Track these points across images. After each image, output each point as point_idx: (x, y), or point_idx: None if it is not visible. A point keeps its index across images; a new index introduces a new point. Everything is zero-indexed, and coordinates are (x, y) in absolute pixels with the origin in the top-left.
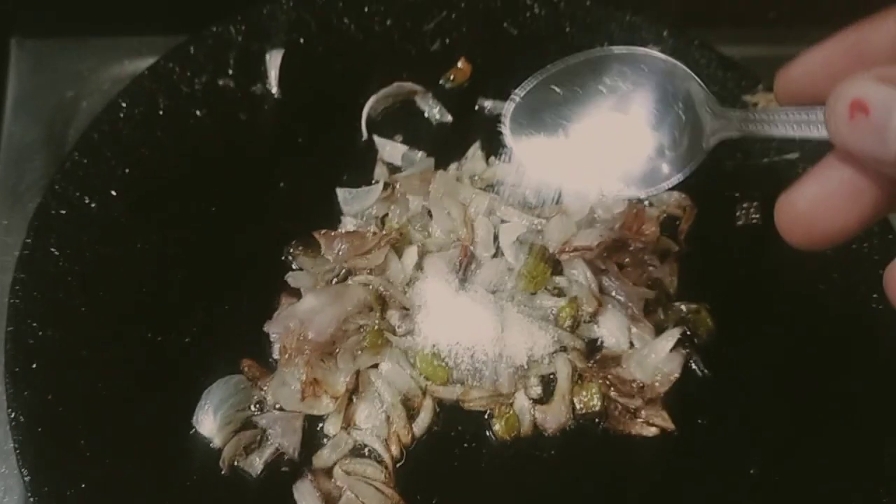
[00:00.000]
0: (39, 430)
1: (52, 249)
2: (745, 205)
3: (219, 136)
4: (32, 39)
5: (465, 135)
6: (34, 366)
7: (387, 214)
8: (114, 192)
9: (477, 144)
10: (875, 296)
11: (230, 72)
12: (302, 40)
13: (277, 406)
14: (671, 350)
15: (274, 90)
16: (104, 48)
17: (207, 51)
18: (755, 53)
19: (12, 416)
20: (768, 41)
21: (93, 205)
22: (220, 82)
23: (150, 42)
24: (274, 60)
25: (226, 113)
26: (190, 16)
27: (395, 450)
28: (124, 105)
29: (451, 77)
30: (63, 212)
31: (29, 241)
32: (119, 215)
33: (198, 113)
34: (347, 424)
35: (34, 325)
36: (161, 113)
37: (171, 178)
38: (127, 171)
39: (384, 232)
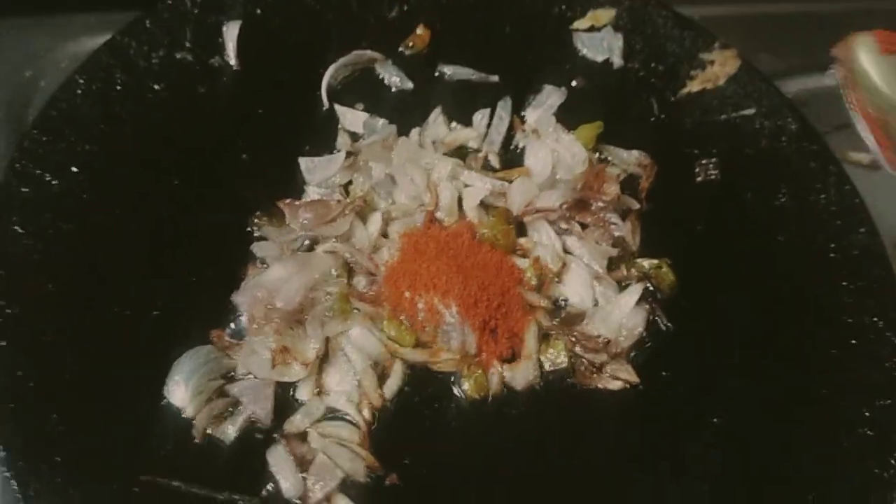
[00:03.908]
0: (11, 407)
1: (16, 228)
2: (703, 161)
3: (178, 109)
4: None
5: (425, 101)
6: (2, 344)
7: (350, 182)
8: (75, 169)
9: (438, 110)
10: (833, 245)
11: (187, 45)
12: (259, 11)
13: (248, 374)
14: (634, 305)
15: (232, 62)
16: (59, 26)
17: (163, 24)
18: (712, 12)
19: None
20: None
21: (54, 182)
22: (178, 56)
23: (106, 18)
24: (231, 32)
25: (184, 86)
26: None
27: (366, 413)
28: (82, 82)
29: (411, 44)
30: (25, 190)
31: None
32: (81, 192)
33: (156, 87)
34: (319, 390)
35: (1, 303)
36: (119, 88)
37: (132, 153)
38: (87, 147)
39: (348, 200)
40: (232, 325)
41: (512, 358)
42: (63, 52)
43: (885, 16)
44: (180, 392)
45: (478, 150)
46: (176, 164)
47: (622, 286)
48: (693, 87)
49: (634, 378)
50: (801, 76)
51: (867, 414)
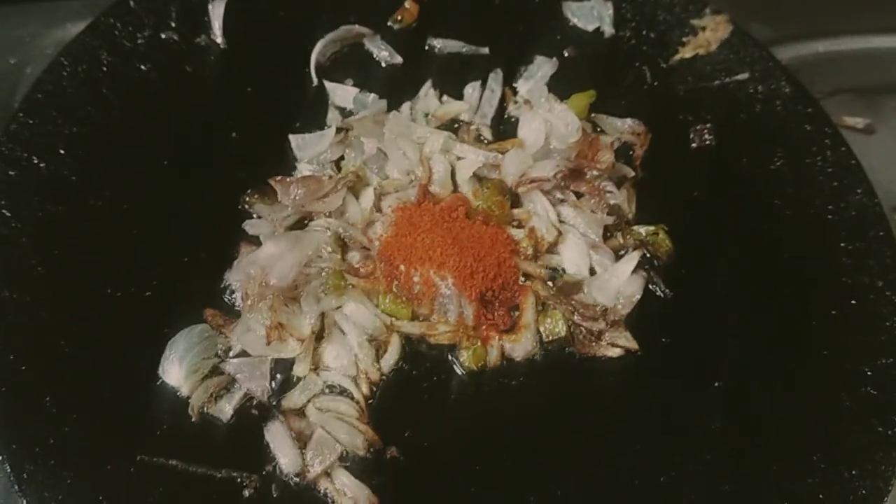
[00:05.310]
0: (3, 391)
1: (4, 211)
2: (697, 127)
3: (166, 89)
4: None
5: (416, 75)
6: None
7: (342, 158)
8: (62, 151)
9: (429, 83)
10: (830, 207)
11: (173, 24)
12: None
13: (243, 352)
14: (632, 273)
15: (219, 41)
16: (45, 12)
17: (148, 4)
18: None
19: None
20: None
21: (42, 164)
22: (164, 35)
23: (92, 4)
24: (217, 10)
25: (171, 66)
26: None
27: (364, 387)
28: (67, 64)
29: (399, 18)
30: (12, 173)
31: None
32: (69, 174)
33: (142, 67)
34: (316, 366)
35: None
36: (105, 70)
37: (120, 134)
38: (74, 129)
39: (340, 175)
40: (226, 303)
41: (510, 329)
42: (49, 39)
43: None
44: (175, 371)
45: (470, 123)
46: (165, 144)
47: (619, 254)
48: (685, 53)
49: (633, 345)
50: (793, 43)
51: (869, 373)
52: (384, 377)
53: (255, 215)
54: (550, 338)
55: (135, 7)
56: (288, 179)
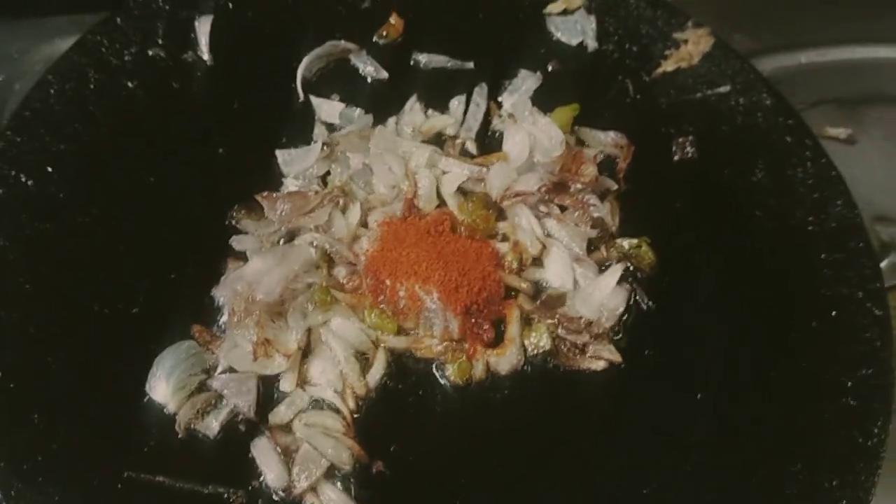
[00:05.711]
0: None
1: None
2: (679, 140)
3: (153, 106)
4: None
5: (401, 90)
6: None
7: (328, 173)
8: (50, 169)
9: (414, 98)
10: (811, 219)
11: (160, 41)
12: (230, 4)
13: (230, 368)
14: (615, 286)
15: (206, 57)
16: (33, 29)
17: (135, 21)
18: None
19: None
20: None
21: (29, 182)
22: (150, 52)
23: (80, 20)
24: (203, 27)
25: (158, 83)
26: None
27: (350, 402)
28: (54, 81)
29: (384, 33)
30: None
31: None
32: (57, 191)
33: (129, 84)
34: (302, 381)
35: None
36: (92, 87)
37: (108, 151)
38: (62, 146)
39: (326, 190)
40: (213, 319)
41: (495, 342)
42: (37, 56)
43: None
44: (162, 388)
45: (455, 137)
46: (152, 161)
47: (602, 267)
48: (667, 66)
49: (617, 357)
50: (775, 54)
51: (849, 384)
52: (370, 391)
53: (242, 231)
54: (536, 352)
55: (122, 24)
56: (274, 195)
